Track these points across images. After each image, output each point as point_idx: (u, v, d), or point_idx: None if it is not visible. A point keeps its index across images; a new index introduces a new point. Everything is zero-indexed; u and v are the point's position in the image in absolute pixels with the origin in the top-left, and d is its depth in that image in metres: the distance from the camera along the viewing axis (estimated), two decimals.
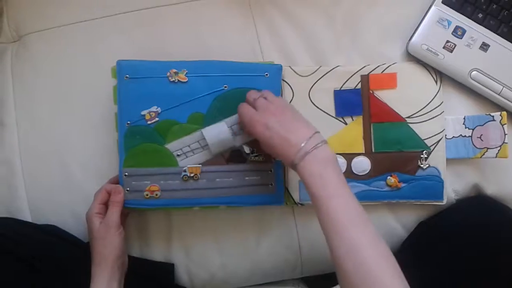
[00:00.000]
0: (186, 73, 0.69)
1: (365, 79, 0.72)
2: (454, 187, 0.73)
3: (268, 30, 0.76)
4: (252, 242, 0.75)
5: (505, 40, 0.71)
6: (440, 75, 0.72)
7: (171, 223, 0.75)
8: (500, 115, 0.69)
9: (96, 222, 0.65)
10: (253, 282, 0.78)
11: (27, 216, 0.74)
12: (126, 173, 0.68)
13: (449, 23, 0.72)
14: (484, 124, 0.70)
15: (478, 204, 0.71)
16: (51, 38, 0.78)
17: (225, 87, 0.69)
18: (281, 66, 0.72)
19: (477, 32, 0.71)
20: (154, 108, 0.69)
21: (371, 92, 0.72)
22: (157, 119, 0.69)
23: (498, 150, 0.69)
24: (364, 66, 0.72)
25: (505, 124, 0.69)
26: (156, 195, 0.69)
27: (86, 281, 0.63)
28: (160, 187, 0.69)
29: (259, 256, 0.75)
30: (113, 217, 0.66)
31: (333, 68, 0.73)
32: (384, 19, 0.75)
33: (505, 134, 0.69)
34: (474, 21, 0.71)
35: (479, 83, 0.71)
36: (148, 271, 0.73)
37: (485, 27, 0.71)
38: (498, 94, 0.71)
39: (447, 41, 0.71)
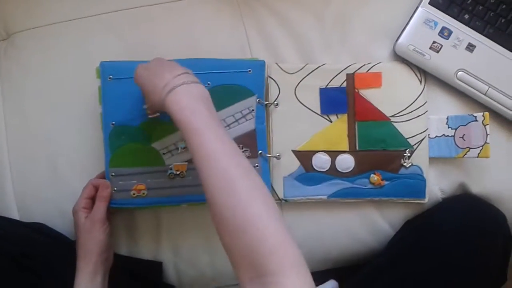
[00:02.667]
0: None
1: (350, 77, 0.72)
2: (440, 186, 0.74)
3: (257, 29, 0.76)
4: None
5: (491, 41, 0.71)
6: (425, 75, 0.72)
7: (160, 222, 0.75)
8: (483, 115, 0.69)
9: (81, 216, 0.66)
10: None
11: (14, 214, 0.75)
12: (113, 173, 0.69)
13: (436, 24, 0.71)
14: (466, 124, 0.71)
15: (463, 202, 0.72)
16: (40, 36, 0.77)
17: (208, 84, 0.69)
18: (264, 62, 0.72)
19: (463, 33, 0.71)
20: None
21: (356, 90, 0.72)
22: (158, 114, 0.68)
23: (480, 150, 0.70)
24: (350, 65, 0.72)
25: (487, 124, 0.69)
26: (143, 193, 0.69)
27: (73, 278, 0.63)
28: (147, 186, 0.69)
29: None
30: (99, 211, 0.66)
31: (319, 66, 0.73)
32: (372, 20, 0.75)
33: (487, 135, 0.69)
34: (461, 22, 0.71)
35: (465, 83, 0.71)
36: (136, 269, 0.74)
37: (471, 28, 0.71)
38: (484, 94, 0.71)
39: (434, 42, 0.71)
